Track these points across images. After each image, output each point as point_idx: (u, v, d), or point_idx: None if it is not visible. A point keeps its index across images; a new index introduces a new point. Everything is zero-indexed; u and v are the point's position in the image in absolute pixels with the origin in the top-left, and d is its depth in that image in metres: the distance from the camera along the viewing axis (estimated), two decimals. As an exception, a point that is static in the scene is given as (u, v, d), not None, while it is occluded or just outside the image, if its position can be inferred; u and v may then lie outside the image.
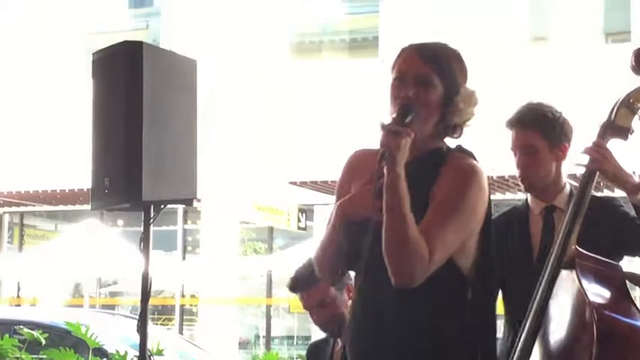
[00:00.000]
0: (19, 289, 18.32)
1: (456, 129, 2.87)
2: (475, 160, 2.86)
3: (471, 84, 2.90)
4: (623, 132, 3.45)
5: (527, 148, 3.65)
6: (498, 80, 12.65)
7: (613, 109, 3.48)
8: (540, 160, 3.65)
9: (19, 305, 17.10)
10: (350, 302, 4.01)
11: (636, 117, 3.46)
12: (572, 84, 13.12)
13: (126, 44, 4.17)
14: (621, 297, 3.23)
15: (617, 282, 3.27)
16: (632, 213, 3.58)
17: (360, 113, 14.69)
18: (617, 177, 3.46)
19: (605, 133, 3.45)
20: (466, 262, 2.84)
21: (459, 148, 2.89)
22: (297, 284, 4.14)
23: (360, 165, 2.89)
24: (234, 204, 14.43)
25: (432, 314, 2.79)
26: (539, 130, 3.64)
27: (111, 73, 4.18)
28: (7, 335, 5.10)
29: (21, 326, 6.05)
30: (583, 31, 15.14)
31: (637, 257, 3.66)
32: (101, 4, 17.83)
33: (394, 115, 2.72)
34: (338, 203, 2.82)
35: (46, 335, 5.16)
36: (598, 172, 3.47)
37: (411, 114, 2.72)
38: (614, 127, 3.45)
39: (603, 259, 3.32)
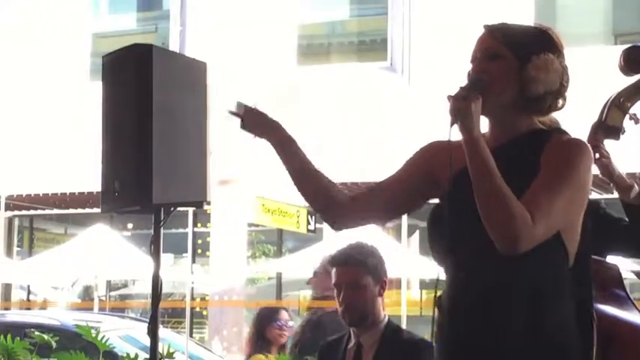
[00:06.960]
0: (29, 293, 18.34)
1: (539, 101, 2.75)
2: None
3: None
4: (615, 132, 3.43)
5: None
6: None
7: (604, 109, 3.45)
8: None
9: (29, 309, 17.11)
10: (380, 300, 4.08)
11: (627, 117, 3.44)
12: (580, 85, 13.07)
13: (136, 47, 4.18)
14: (620, 296, 3.22)
15: (614, 281, 3.25)
16: (615, 215, 3.57)
17: (368, 115, 14.69)
18: (620, 176, 3.44)
19: (596, 133, 3.43)
20: (572, 248, 2.70)
21: (560, 130, 2.80)
22: (337, 258, 4.20)
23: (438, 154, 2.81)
24: (244, 206, 14.42)
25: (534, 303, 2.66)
26: None
27: (121, 76, 4.19)
28: (18, 338, 5.10)
29: (32, 329, 6.06)
30: (591, 32, 15.09)
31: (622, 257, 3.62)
32: (109, 7, 17.85)
33: (461, 85, 2.66)
34: None
35: (57, 338, 5.16)
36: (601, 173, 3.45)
37: (478, 86, 2.67)
38: (605, 128, 3.42)
39: (598, 258, 3.30)
